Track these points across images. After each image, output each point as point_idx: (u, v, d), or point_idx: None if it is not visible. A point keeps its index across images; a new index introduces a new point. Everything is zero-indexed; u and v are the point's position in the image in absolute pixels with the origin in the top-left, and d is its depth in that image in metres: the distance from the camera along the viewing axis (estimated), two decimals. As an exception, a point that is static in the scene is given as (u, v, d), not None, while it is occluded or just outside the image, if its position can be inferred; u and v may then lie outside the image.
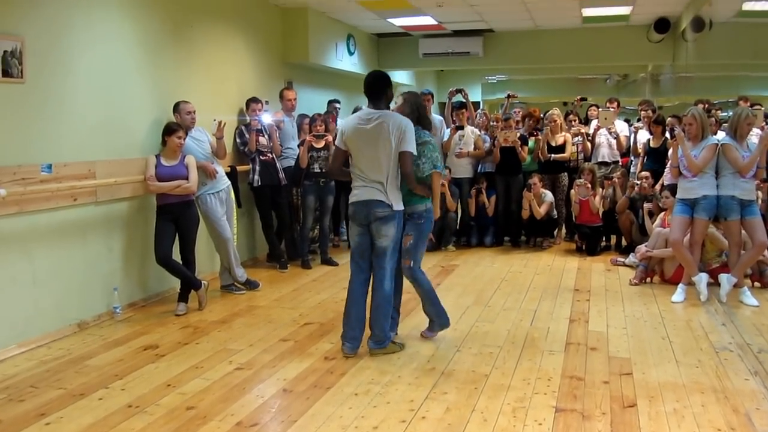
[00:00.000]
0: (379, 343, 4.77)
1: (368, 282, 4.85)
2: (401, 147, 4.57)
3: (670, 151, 6.28)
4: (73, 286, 5.48)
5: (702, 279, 6.06)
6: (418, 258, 4.92)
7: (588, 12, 9.62)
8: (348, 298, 4.84)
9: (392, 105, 4.89)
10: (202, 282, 6.08)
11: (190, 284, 5.98)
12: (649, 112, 8.67)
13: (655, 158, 7.99)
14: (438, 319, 5.12)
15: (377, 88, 4.70)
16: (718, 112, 9.62)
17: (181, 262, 5.97)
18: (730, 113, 10.67)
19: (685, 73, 11.04)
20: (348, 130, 4.72)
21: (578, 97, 10.35)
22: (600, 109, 9.38)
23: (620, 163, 8.98)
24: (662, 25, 9.98)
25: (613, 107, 9.22)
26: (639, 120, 9.26)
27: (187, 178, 5.89)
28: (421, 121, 4.91)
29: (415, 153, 4.64)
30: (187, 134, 6.08)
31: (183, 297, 5.99)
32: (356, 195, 4.72)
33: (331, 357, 4.74)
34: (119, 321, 5.74)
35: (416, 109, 4.91)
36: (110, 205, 5.84)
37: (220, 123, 6.51)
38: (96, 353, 4.92)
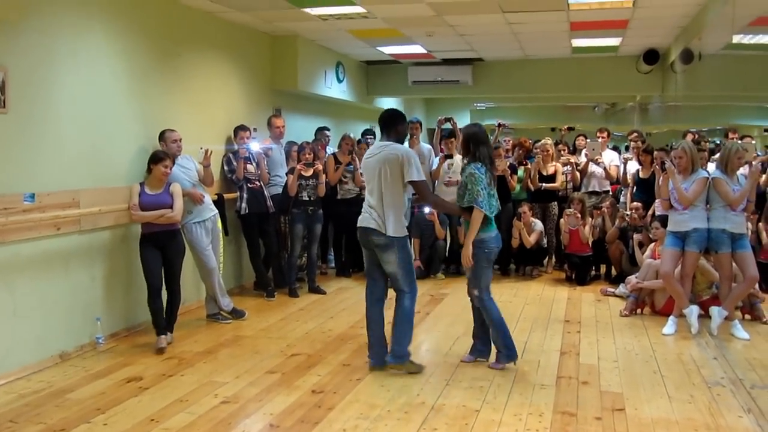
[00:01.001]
0: (398, 359, 4.91)
1: (381, 301, 5.13)
2: (406, 177, 4.84)
3: (660, 181, 6.26)
4: (55, 317, 5.36)
5: (693, 311, 6.02)
6: (482, 285, 5.07)
7: (578, 43, 9.67)
8: (366, 319, 5.16)
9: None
10: (170, 335, 5.83)
11: (162, 325, 5.73)
12: (639, 142, 8.67)
13: (645, 188, 7.96)
14: (506, 350, 5.13)
15: (388, 124, 5.06)
16: (707, 144, 9.66)
17: (166, 292, 5.84)
18: (718, 141, 10.73)
19: (674, 102, 11.11)
20: (362, 161, 5.20)
21: (566, 126, 10.33)
22: (588, 140, 9.37)
23: (610, 192, 8.97)
24: (651, 56, 10.04)
25: (602, 137, 9.21)
26: (628, 150, 9.25)
27: (171, 207, 5.80)
28: (476, 154, 5.02)
29: (420, 179, 4.90)
30: (174, 163, 6.01)
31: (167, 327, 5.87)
32: (358, 220, 5.04)
33: (319, 390, 4.65)
34: (102, 352, 5.63)
35: (470, 142, 5.07)
36: (94, 234, 5.74)
37: (206, 151, 6.48)
38: (77, 386, 4.80)
